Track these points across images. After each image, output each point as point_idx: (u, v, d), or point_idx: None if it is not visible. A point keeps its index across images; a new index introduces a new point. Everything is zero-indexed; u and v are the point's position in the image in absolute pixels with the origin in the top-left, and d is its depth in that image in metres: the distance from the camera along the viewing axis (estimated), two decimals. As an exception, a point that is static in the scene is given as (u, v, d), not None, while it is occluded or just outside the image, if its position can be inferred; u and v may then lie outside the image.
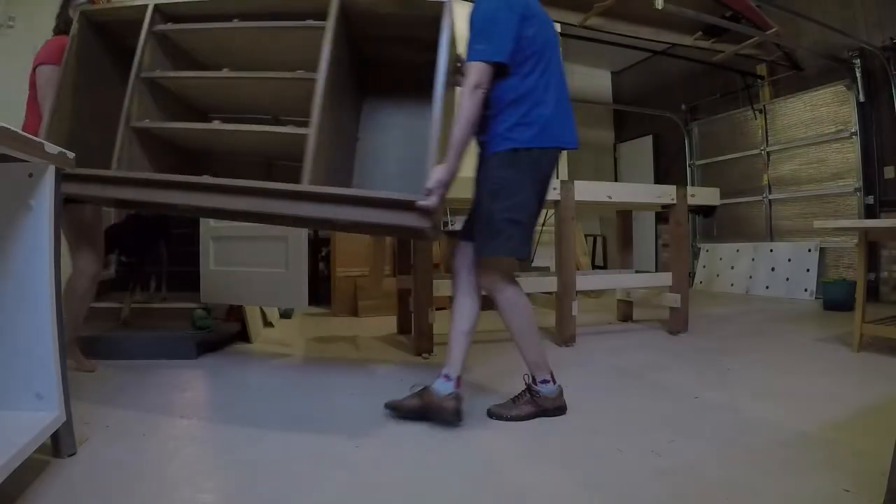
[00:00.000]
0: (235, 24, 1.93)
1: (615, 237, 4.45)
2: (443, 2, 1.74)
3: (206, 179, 1.80)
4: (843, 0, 4.97)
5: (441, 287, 2.90)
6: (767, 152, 5.89)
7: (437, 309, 3.00)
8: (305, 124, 1.75)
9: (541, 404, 1.83)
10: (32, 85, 2.08)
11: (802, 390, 2.18)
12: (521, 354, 1.87)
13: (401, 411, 1.80)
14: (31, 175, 1.39)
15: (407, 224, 1.67)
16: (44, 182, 1.39)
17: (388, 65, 2.18)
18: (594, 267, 6.68)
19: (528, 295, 3.67)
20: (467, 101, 1.63)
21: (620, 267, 3.96)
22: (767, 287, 5.51)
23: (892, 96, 4.64)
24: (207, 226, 3.22)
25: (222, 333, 3.06)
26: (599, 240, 7.68)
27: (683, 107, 6.85)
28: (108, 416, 1.82)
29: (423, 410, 1.77)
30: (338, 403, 2.05)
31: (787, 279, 5.35)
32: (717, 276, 6.13)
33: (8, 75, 3.44)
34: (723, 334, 3.41)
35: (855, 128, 4.95)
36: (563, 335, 3.09)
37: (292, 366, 2.73)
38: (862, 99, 4.87)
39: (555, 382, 1.86)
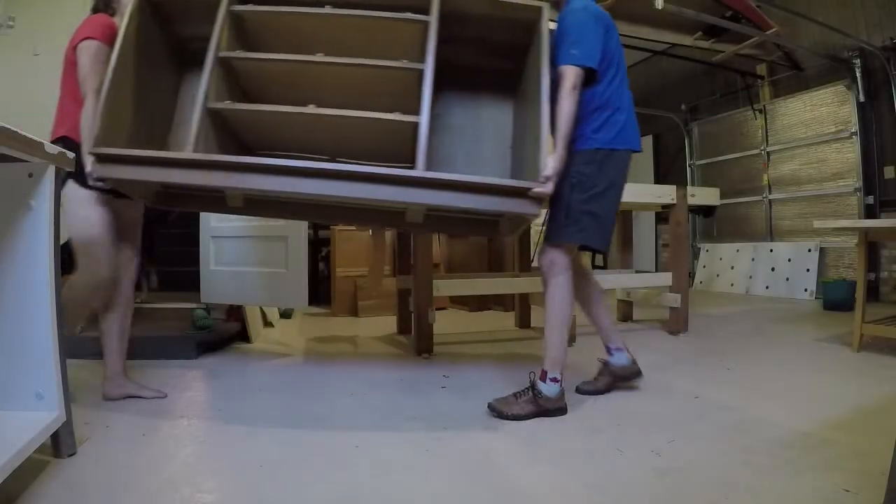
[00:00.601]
0: (328, 10, 1.86)
1: (615, 237, 4.45)
2: (540, 6, 1.85)
3: (319, 163, 1.70)
4: (842, 0, 4.97)
5: (441, 287, 2.90)
6: (767, 152, 5.89)
7: (437, 309, 3.00)
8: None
9: (542, 405, 1.84)
10: (71, 63, 1.89)
11: (802, 390, 2.18)
12: (545, 345, 1.91)
13: (594, 392, 2.07)
14: (31, 175, 1.39)
15: (517, 211, 1.73)
16: (44, 182, 1.39)
17: (451, 65, 2.06)
18: (594, 267, 6.67)
19: (527, 295, 3.71)
20: (567, 101, 1.76)
21: (620, 267, 3.96)
22: (767, 287, 5.51)
23: (892, 96, 4.64)
24: (207, 226, 3.22)
25: (222, 333, 3.06)
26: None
27: (683, 107, 6.85)
28: (108, 416, 1.82)
29: (615, 383, 2.10)
30: (337, 403, 2.05)
31: (787, 279, 5.35)
32: (717, 276, 6.13)
33: (8, 75, 3.45)
34: (723, 334, 3.41)
35: (855, 128, 4.95)
36: (563, 335, 3.09)
37: (292, 366, 2.73)
38: (862, 99, 4.87)
39: (561, 384, 1.88)
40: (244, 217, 2.98)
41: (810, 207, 5.48)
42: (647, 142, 7.51)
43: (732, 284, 5.90)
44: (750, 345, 3.09)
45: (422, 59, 1.80)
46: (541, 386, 1.85)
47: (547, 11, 1.88)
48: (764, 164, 5.93)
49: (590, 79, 1.83)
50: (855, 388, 2.21)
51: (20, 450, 1.20)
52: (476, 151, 2.17)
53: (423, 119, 1.73)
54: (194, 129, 1.73)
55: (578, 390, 2.11)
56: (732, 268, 5.99)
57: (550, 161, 1.70)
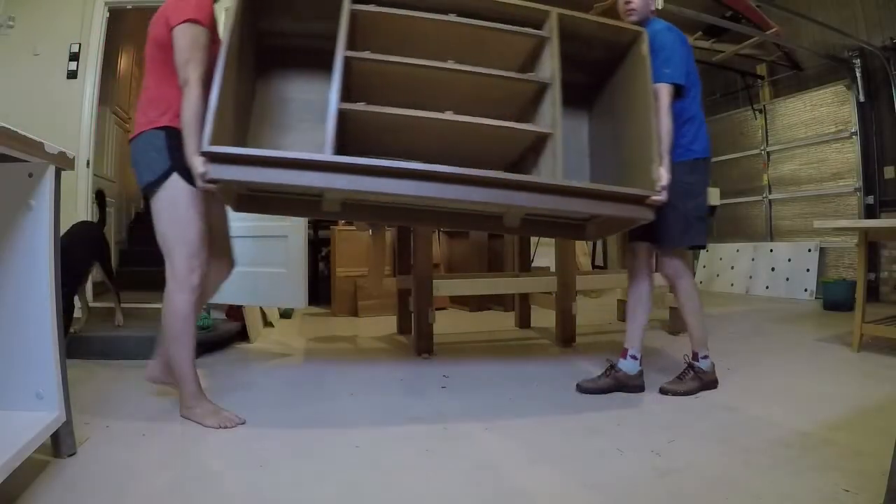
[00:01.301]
0: (452, 18, 1.90)
1: (615, 237, 4.46)
2: (641, 30, 2.03)
3: (461, 169, 1.69)
4: (842, 0, 4.97)
5: (441, 287, 2.90)
6: (767, 152, 5.89)
7: (437, 309, 3.00)
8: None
9: (702, 378, 2.11)
10: (162, 46, 1.73)
11: (802, 390, 2.18)
12: (689, 332, 2.17)
13: (595, 391, 2.13)
14: (31, 175, 1.39)
15: (635, 216, 1.89)
16: (44, 182, 1.39)
17: None
18: (594, 267, 6.67)
19: (527, 295, 3.71)
20: (667, 117, 1.96)
21: (620, 267, 3.96)
22: (767, 287, 5.51)
23: (892, 96, 4.64)
24: (207, 226, 3.22)
25: (222, 333, 3.06)
26: (599, 240, 7.68)
27: (683, 107, 6.85)
28: (108, 416, 1.82)
29: (618, 388, 2.15)
30: (337, 403, 2.05)
31: (787, 279, 5.35)
32: (717, 276, 6.13)
33: (8, 75, 3.45)
34: (723, 334, 3.41)
35: (855, 128, 4.95)
36: (563, 335, 3.09)
37: (292, 366, 2.73)
38: (862, 99, 4.87)
39: (710, 359, 2.15)
40: (243, 217, 2.97)
41: (810, 207, 5.48)
42: (647, 142, 7.51)
43: (732, 284, 5.90)
44: (750, 345, 3.09)
45: (527, 70, 2.01)
46: (697, 364, 2.11)
47: (646, 36, 2.02)
48: (764, 164, 5.93)
49: (677, 94, 2.03)
50: (855, 388, 2.21)
51: (20, 450, 1.20)
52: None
53: (558, 131, 1.86)
54: (331, 131, 1.67)
55: (579, 387, 2.17)
56: (732, 268, 5.99)
57: (664, 172, 1.86)
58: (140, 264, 4.29)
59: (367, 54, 1.82)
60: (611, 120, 2.21)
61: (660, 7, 3.66)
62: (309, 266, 3.07)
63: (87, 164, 3.54)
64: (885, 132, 4.80)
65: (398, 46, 1.88)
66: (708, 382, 2.13)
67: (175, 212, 1.75)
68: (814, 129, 5.40)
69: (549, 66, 1.92)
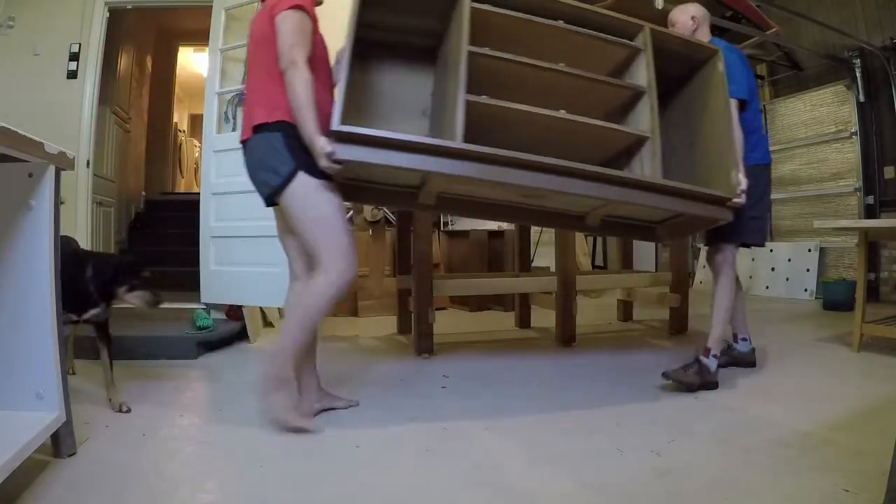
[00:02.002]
0: (560, 24, 1.99)
1: (616, 239, 4.45)
2: (718, 48, 2.22)
3: (575, 164, 1.81)
4: (842, 0, 4.97)
5: (441, 287, 2.90)
6: (767, 152, 5.89)
7: (437, 309, 2.99)
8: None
9: (704, 376, 2.14)
10: (266, 40, 1.68)
11: (802, 390, 2.18)
12: (712, 326, 2.25)
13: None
14: (30, 175, 1.39)
15: (717, 216, 2.07)
16: (44, 182, 1.39)
17: None
18: (594, 267, 6.67)
19: (527, 295, 3.71)
20: (738, 129, 2.16)
21: (620, 267, 3.96)
22: (767, 287, 5.51)
23: (892, 96, 4.64)
24: (207, 225, 3.22)
25: (223, 333, 3.06)
26: (599, 240, 7.68)
27: (683, 107, 6.85)
28: (108, 416, 1.82)
29: (734, 364, 2.45)
30: (338, 403, 2.05)
31: (787, 279, 5.35)
32: (717, 276, 6.13)
33: (8, 75, 3.45)
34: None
35: (855, 128, 4.95)
36: (563, 335, 3.09)
37: (292, 366, 2.73)
38: (862, 99, 4.86)
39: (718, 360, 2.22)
40: (243, 217, 2.98)
41: (810, 207, 5.47)
42: (647, 142, 7.50)
43: (732, 284, 5.89)
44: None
45: (616, 77, 2.16)
46: (705, 361, 2.16)
47: (722, 54, 2.21)
48: (764, 164, 5.92)
49: (741, 107, 2.22)
50: (855, 388, 2.21)
51: (20, 450, 1.20)
52: None
53: (656, 134, 2.02)
54: (460, 121, 1.70)
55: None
56: (732, 268, 5.99)
57: (742, 178, 2.04)
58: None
59: (487, 50, 1.85)
60: (686, 128, 2.34)
61: (660, 7, 3.67)
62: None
63: (87, 164, 3.54)
64: (885, 132, 4.79)
65: (505, 45, 1.93)
66: (708, 382, 2.15)
67: (316, 211, 1.70)
68: (814, 129, 5.40)
69: (646, 75, 2.08)
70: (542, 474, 1.45)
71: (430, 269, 2.91)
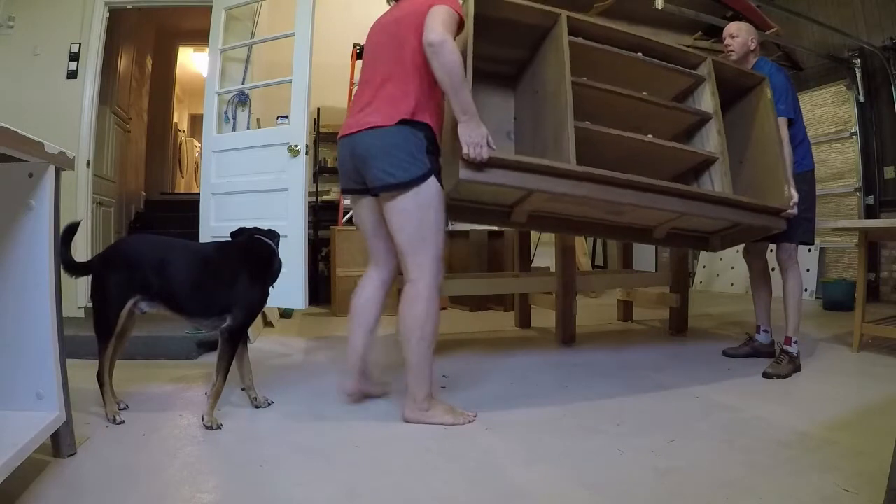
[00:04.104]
0: (639, 56, 2.22)
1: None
2: (765, 76, 2.48)
3: (664, 182, 2.04)
4: (842, 0, 4.97)
5: (441, 287, 2.89)
6: (767, 152, 5.88)
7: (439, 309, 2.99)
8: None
9: (795, 362, 2.38)
10: (400, 39, 1.71)
11: (802, 390, 2.18)
12: (787, 318, 2.46)
13: (736, 356, 2.69)
14: (30, 175, 1.39)
15: (774, 226, 2.35)
16: (44, 182, 1.39)
17: None
18: (594, 267, 6.67)
19: (527, 295, 3.70)
20: (787, 146, 2.39)
21: (620, 267, 3.96)
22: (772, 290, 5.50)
23: (892, 96, 4.63)
24: (207, 225, 3.22)
25: (222, 333, 3.05)
26: (599, 240, 7.67)
27: (683, 107, 6.85)
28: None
29: (755, 354, 2.68)
30: (337, 403, 2.05)
31: (787, 279, 5.35)
32: (718, 276, 6.13)
33: (8, 75, 3.45)
34: (723, 334, 3.41)
35: (855, 128, 4.95)
36: (563, 335, 3.09)
37: (292, 366, 2.73)
38: (862, 99, 4.86)
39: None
40: (243, 217, 2.97)
41: (810, 207, 5.47)
42: (647, 142, 7.50)
43: (732, 284, 5.90)
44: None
45: (680, 100, 2.43)
46: (789, 349, 2.39)
47: (769, 82, 2.45)
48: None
49: (790, 123, 2.45)
50: (855, 388, 2.22)
51: (20, 450, 1.20)
52: None
53: (725, 155, 2.28)
54: (571, 144, 1.88)
55: (725, 353, 2.75)
56: (732, 268, 5.98)
57: (794, 192, 2.31)
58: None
59: (585, 80, 2.04)
60: (735, 146, 2.50)
61: (660, 7, 3.67)
62: (309, 266, 3.07)
63: (87, 164, 3.54)
64: (885, 132, 4.79)
65: (587, 72, 2.10)
66: (798, 366, 2.38)
67: (428, 213, 1.73)
68: (814, 129, 5.38)
69: (711, 102, 2.34)
70: (542, 474, 1.45)
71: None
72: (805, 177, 2.49)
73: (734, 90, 2.54)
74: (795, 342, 2.42)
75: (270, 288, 1.96)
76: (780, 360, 2.39)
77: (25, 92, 3.41)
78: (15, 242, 1.39)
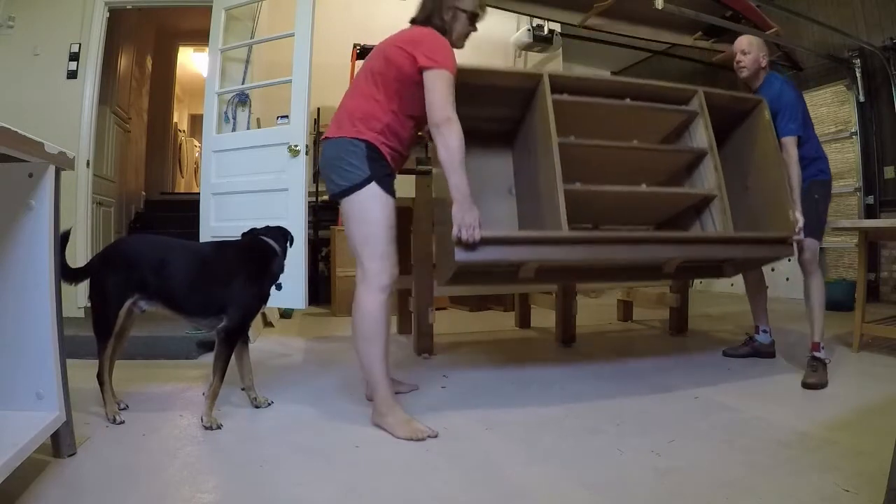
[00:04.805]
0: (627, 102, 2.21)
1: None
2: (760, 99, 2.44)
3: (657, 233, 2.09)
4: (842, 0, 4.97)
5: (441, 287, 2.89)
6: (767, 152, 5.88)
7: (437, 309, 2.99)
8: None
9: (826, 366, 2.29)
10: (395, 67, 1.76)
11: (802, 390, 2.18)
12: (813, 323, 2.39)
13: (735, 356, 2.69)
14: (30, 175, 1.39)
15: (782, 255, 2.38)
16: (44, 182, 1.39)
17: None
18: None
19: (527, 295, 3.70)
20: (795, 166, 2.36)
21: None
22: (767, 287, 5.50)
23: (892, 96, 4.63)
24: (207, 226, 3.22)
25: (222, 333, 3.05)
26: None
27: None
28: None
29: (755, 355, 2.70)
30: (337, 403, 2.05)
31: (787, 279, 5.35)
32: (717, 276, 6.13)
33: (8, 75, 3.45)
34: (722, 334, 3.41)
35: (855, 128, 4.95)
36: (563, 335, 3.09)
37: (292, 366, 2.73)
38: (862, 99, 4.86)
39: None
40: (243, 217, 2.98)
41: (810, 207, 5.47)
42: (647, 142, 7.49)
43: (732, 285, 5.88)
44: (750, 345, 3.08)
45: (677, 135, 2.40)
46: (820, 355, 2.31)
47: (766, 104, 2.41)
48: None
49: (798, 139, 2.42)
50: (855, 388, 2.22)
51: (20, 450, 1.20)
52: None
53: (723, 192, 2.23)
54: (562, 209, 1.89)
55: (725, 353, 2.75)
56: (732, 268, 5.99)
57: (800, 216, 2.29)
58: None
59: (572, 139, 2.06)
60: (738, 172, 2.52)
61: (660, 7, 3.67)
62: (309, 266, 3.07)
63: (87, 164, 3.54)
64: (885, 132, 4.79)
65: (578, 122, 2.15)
66: (827, 372, 2.30)
67: (364, 214, 1.77)
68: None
69: (705, 137, 2.29)
70: (542, 474, 1.45)
71: (430, 269, 2.90)
72: (826, 185, 2.53)
73: (735, 114, 2.52)
74: (823, 347, 2.37)
75: (274, 288, 1.97)
76: (815, 369, 2.28)
77: (25, 92, 3.41)
78: (15, 242, 1.39)
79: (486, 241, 1.75)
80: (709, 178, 2.28)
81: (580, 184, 2.01)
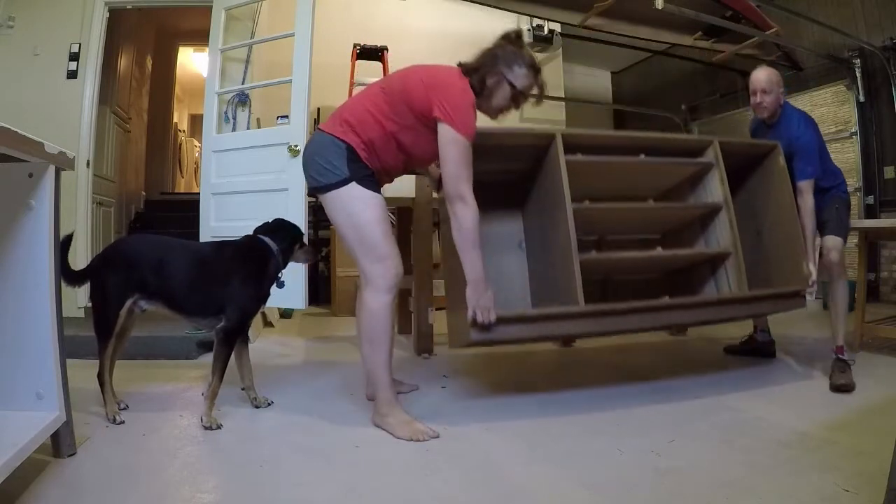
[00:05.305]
0: (642, 159, 2.18)
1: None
2: (775, 144, 2.39)
3: (671, 300, 2.07)
4: (842, 0, 4.97)
5: (441, 287, 2.89)
6: (767, 152, 5.88)
7: (437, 309, 2.99)
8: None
9: (851, 368, 2.24)
10: (407, 102, 1.70)
11: (802, 390, 2.18)
12: (837, 326, 2.34)
13: (736, 353, 2.71)
14: (31, 175, 1.39)
15: (792, 307, 2.36)
16: (44, 182, 1.39)
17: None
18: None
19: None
20: (810, 217, 2.34)
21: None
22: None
23: (892, 96, 4.63)
24: (207, 226, 3.22)
25: (222, 333, 3.05)
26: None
27: (683, 107, 6.84)
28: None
29: (753, 353, 2.69)
30: (337, 403, 2.05)
31: (787, 279, 5.35)
32: (717, 276, 6.13)
33: (8, 75, 3.45)
34: (722, 335, 3.40)
35: (855, 128, 4.94)
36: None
37: (292, 366, 2.73)
38: (862, 99, 4.86)
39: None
40: (243, 217, 2.98)
41: (810, 207, 5.47)
42: (647, 142, 7.50)
43: (732, 284, 5.89)
44: (750, 345, 3.09)
45: (692, 186, 2.38)
46: (844, 357, 2.26)
47: (780, 151, 2.38)
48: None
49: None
50: (855, 388, 2.21)
51: (20, 450, 1.20)
52: None
53: (738, 249, 2.20)
54: (578, 282, 1.86)
55: (727, 350, 2.76)
56: (732, 268, 5.99)
57: (813, 269, 2.29)
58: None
59: (587, 204, 2.07)
60: (750, 215, 2.50)
61: (660, 7, 3.67)
62: (309, 266, 3.07)
63: (87, 164, 3.54)
64: (885, 132, 4.79)
65: (595, 178, 2.21)
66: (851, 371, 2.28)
67: (353, 217, 1.73)
68: (814, 129, 5.40)
69: (721, 192, 2.25)
70: (541, 474, 1.45)
71: (430, 269, 2.90)
72: (843, 199, 2.50)
73: (750, 160, 2.49)
74: (845, 350, 2.32)
75: (276, 285, 1.96)
76: (843, 370, 2.22)
77: (25, 92, 3.41)
78: (15, 242, 1.39)
79: (501, 320, 1.73)
80: (724, 234, 2.26)
81: (595, 252, 2.07)
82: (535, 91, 1.81)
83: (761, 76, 2.42)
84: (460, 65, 1.78)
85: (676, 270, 2.47)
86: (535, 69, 1.78)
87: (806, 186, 2.34)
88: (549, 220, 2.09)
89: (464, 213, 1.65)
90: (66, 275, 1.68)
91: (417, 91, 1.70)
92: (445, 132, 1.65)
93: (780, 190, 2.37)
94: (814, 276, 2.26)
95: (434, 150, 1.71)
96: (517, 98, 1.79)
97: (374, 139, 1.74)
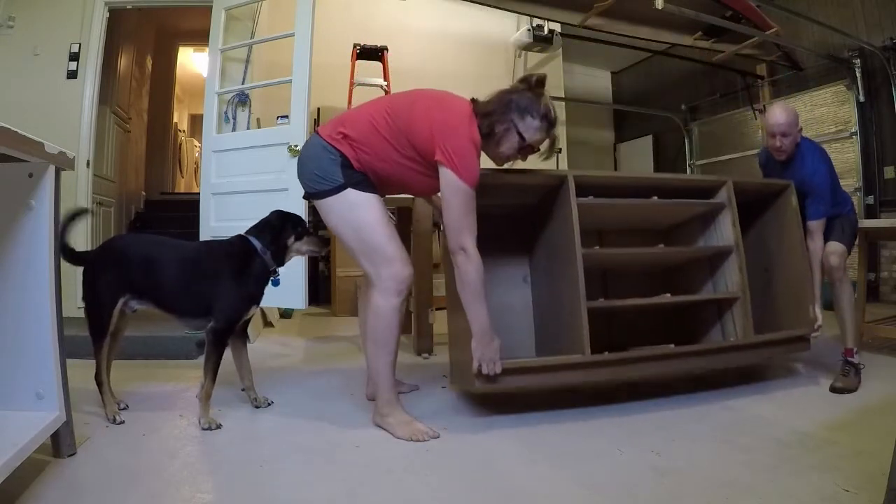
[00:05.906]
0: (654, 200, 2.14)
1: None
2: (788, 184, 2.36)
3: (677, 348, 2.04)
4: (842, 0, 4.97)
5: (441, 287, 2.89)
6: (768, 152, 5.88)
7: (437, 309, 2.99)
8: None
9: (860, 373, 2.23)
10: (409, 136, 1.65)
11: (802, 390, 2.18)
12: (846, 328, 2.33)
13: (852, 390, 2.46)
14: (31, 175, 1.39)
15: (797, 351, 2.35)
16: (44, 182, 1.39)
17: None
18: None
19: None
20: (817, 261, 2.31)
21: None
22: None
23: (892, 96, 4.63)
24: (207, 226, 3.22)
25: (222, 333, 3.05)
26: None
27: (683, 107, 6.84)
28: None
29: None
30: (337, 403, 2.05)
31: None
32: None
33: (8, 75, 3.45)
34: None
35: (855, 128, 4.95)
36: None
37: (292, 366, 2.73)
38: (862, 99, 4.86)
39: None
40: (243, 217, 2.98)
41: (810, 207, 5.47)
42: (647, 142, 7.50)
43: (732, 284, 5.89)
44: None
45: (696, 238, 2.37)
46: (853, 360, 2.24)
47: (793, 189, 2.35)
48: (764, 165, 5.92)
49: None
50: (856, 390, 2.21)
51: (20, 450, 1.20)
52: None
53: (747, 294, 2.18)
54: (585, 331, 1.83)
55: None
56: (732, 268, 5.98)
57: (819, 313, 2.28)
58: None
59: (597, 249, 2.07)
60: (759, 251, 2.49)
61: (660, 7, 3.67)
62: (309, 266, 3.07)
63: (87, 164, 3.54)
64: (885, 132, 4.79)
65: (605, 217, 2.25)
66: (861, 377, 2.23)
67: (353, 223, 1.71)
68: (814, 129, 5.39)
69: (732, 234, 2.22)
70: (542, 474, 1.45)
71: (430, 269, 2.90)
72: (850, 218, 2.48)
73: (762, 198, 2.47)
74: (856, 353, 2.29)
75: (271, 283, 1.94)
76: (846, 373, 2.22)
77: (25, 92, 3.41)
78: (15, 242, 1.39)
79: (506, 371, 1.72)
80: (732, 277, 2.23)
81: (603, 300, 2.09)
82: (545, 146, 1.75)
83: (780, 119, 2.30)
84: (473, 101, 1.71)
85: (683, 311, 2.45)
86: (549, 121, 1.69)
87: (816, 228, 2.31)
88: (557, 263, 2.06)
89: (466, 267, 1.61)
90: (65, 252, 1.67)
91: (422, 130, 1.64)
92: (448, 178, 1.60)
93: (790, 230, 2.36)
94: (819, 321, 2.26)
95: (431, 186, 1.70)
96: (525, 150, 1.73)
97: (371, 161, 1.70)
